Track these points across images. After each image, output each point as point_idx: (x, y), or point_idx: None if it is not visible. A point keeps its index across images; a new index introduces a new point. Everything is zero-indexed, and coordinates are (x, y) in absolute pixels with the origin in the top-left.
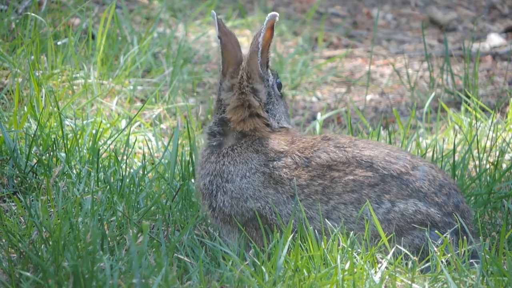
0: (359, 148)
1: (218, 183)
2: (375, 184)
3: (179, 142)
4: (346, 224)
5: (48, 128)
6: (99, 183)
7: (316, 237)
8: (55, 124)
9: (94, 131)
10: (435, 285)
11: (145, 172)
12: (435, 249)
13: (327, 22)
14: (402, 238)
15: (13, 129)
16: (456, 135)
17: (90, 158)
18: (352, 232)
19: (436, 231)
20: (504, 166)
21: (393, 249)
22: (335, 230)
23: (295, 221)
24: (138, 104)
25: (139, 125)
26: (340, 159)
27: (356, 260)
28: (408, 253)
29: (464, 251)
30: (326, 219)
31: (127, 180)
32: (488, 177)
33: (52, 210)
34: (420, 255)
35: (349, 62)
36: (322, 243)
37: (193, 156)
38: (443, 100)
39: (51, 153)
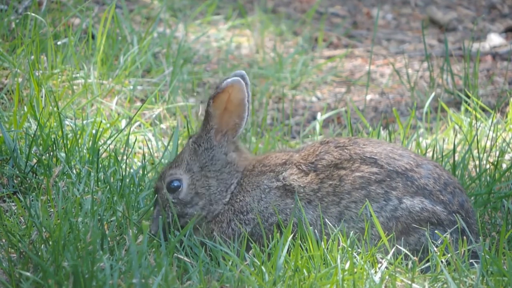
0: (360, 146)
1: (240, 219)
2: (381, 180)
3: (179, 142)
4: (357, 223)
5: (48, 128)
6: (99, 183)
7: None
8: (55, 124)
9: (94, 131)
10: (435, 285)
11: (145, 172)
12: (435, 249)
13: (327, 22)
14: (409, 236)
15: (13, 129)
16: (456, 135)
17: (90, 158)
18: (363, 231)
19: (436, 231)
20: (504, 166)
21: (393, 249)
22: (348, 233)
23: (295, 221)
24: (138, 104)
25: (139, 125)
26: (343, 157)
27: (356, 260)
28: (408, 253)
29: (464, 251)
30: (339, 221)
31: (127, 180)
32: (488, 177)
33: (52, 210)
34: (424, 254)
35: (349, 62)
36: (322, 243)
37: None
38: (443, 100)
39: (51, 153)
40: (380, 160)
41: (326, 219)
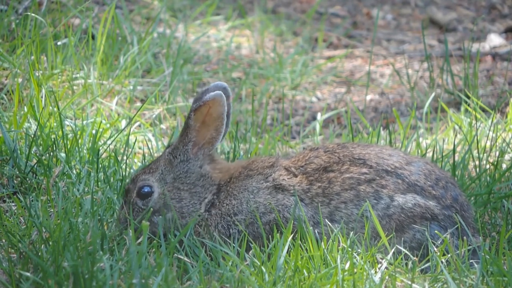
0: (349, 149)
1: (228, 222)
2: (371, 179)
3: None
4: (348, 223)
5: (48, 128)
6: (99, 183)
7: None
8: (55, 124)
9: (94, 131)
10: (435, 285)
11: None
12: (435, 249)
13: (327, 22)
14: (404, 233)
15: (13, 129)
16: (456, 135)
17: (90, 158)
18: (354, 231)
19: (436, 230)
20: (504, 166)
21: (393, 249)
22: (339, 231)
23: (295, 221)
24: (138, 104)
25: (139, 125)
26: (332, 160)
27: (356, 260)
28: (408, 253)
29: (464, 251)
30: (330, 222)
31: (127, 180)
32: (488, 177)
33: (52, 210)
34: (422, 250)
35: (349, 62)
36: (322, 243)
37: None
38: (443, 100)
39: (51, 153)
40: (369, 161)
41: (318, 219)
